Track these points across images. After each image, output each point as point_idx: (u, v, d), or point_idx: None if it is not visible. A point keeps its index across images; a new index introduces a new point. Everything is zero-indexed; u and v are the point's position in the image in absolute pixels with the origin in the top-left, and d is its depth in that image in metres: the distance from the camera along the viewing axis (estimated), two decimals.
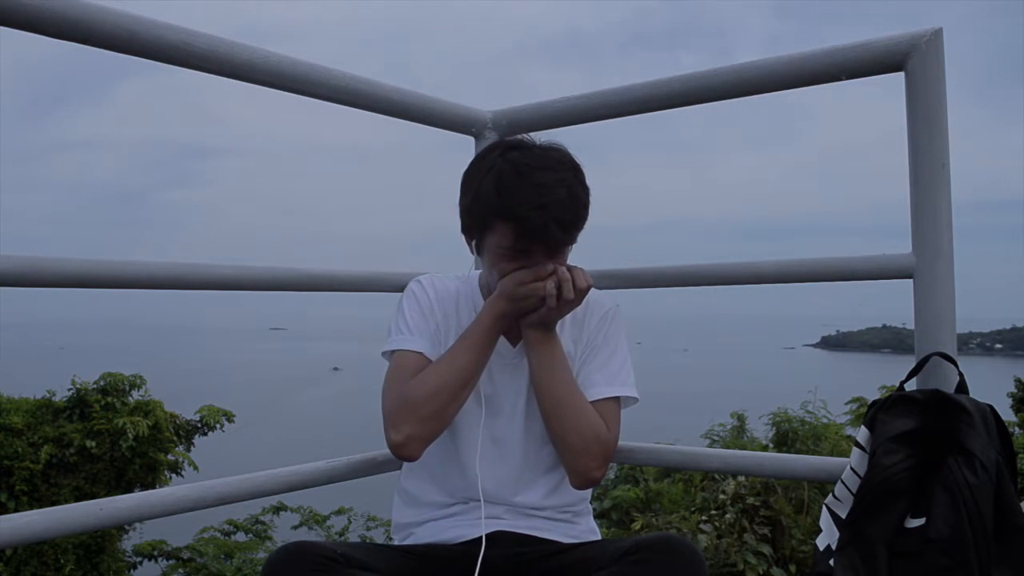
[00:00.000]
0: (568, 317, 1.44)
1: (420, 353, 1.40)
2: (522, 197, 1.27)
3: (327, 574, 1.14)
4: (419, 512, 1.44)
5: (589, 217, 1.35)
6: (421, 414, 1.29)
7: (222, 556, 7.33)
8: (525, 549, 1.37)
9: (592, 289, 1.46)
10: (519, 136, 1.41)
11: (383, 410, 1.34)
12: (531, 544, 1.38)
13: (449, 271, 1.64)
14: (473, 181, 1.35)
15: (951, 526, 1.13)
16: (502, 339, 1.43)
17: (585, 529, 1.47)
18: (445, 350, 1.39)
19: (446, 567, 1.31)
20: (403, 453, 1.31)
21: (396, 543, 1.44)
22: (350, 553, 1.19)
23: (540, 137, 1.40)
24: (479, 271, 1.51)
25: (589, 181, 1.36)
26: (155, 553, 7.64)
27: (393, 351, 1.42)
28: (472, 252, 1.42)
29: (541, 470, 1.43)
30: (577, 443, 1.34)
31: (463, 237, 1.43)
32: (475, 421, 1.41)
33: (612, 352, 1.47)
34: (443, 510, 1.42)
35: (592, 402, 1.40)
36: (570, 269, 1.33)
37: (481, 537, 1.36)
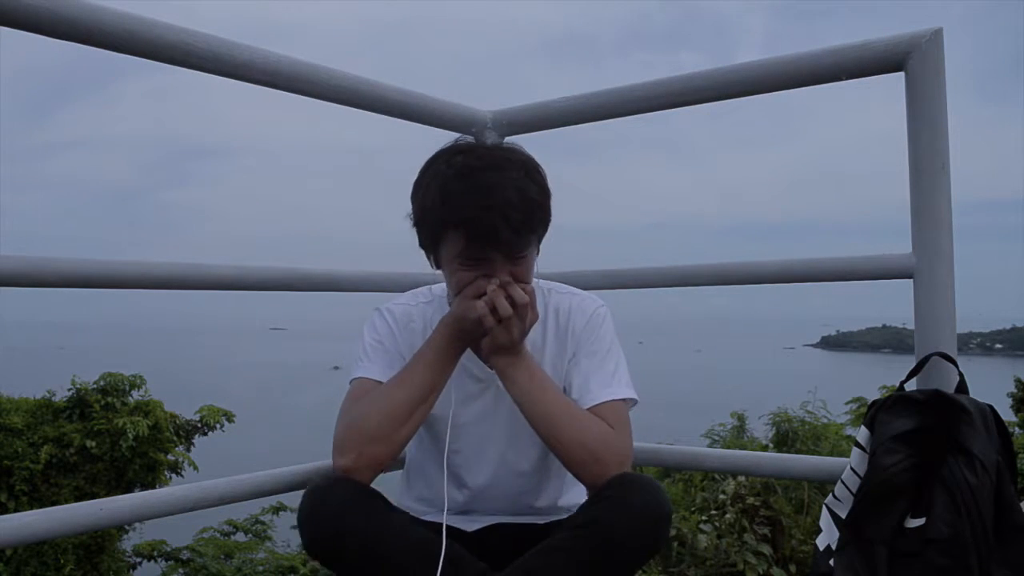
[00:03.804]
0: (549, 331, 1.39)
1: (377, 381, 1.33)
2: (467, 200, 1.20)
3: (372, 500, 1.20)
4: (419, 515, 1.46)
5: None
6: (370, 438, 1.22)
7: (222, 556, 7.33)
8: (527, 536, 1.38)
9: (573, 294, 1.43)
10: (466, 140, 1.35)
11: (333, 436, 1.27)
12: (533, 531, 1.39)
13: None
14: (419, 192, 1.29)
15: (951, 526, 1.13)
16: (474, 359, 1.38)
17: None
18: None
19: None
20: (352, 478, 1.22)
21: None
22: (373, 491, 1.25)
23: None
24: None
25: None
26: (155, 553, 7.64)
27: (351, 380, 1.36)
28: (433, 268, 1.34)
29: (543, 480, 1.44)
30: (582, 455, 1.24)
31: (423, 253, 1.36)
32: (468, 444, 1.38)
33: (604, 355, 1.38)
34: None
35: (592, 408, 1.31)
36: (506, 285, 1.23)
37: (487, 527, 1.39)
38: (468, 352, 1.34)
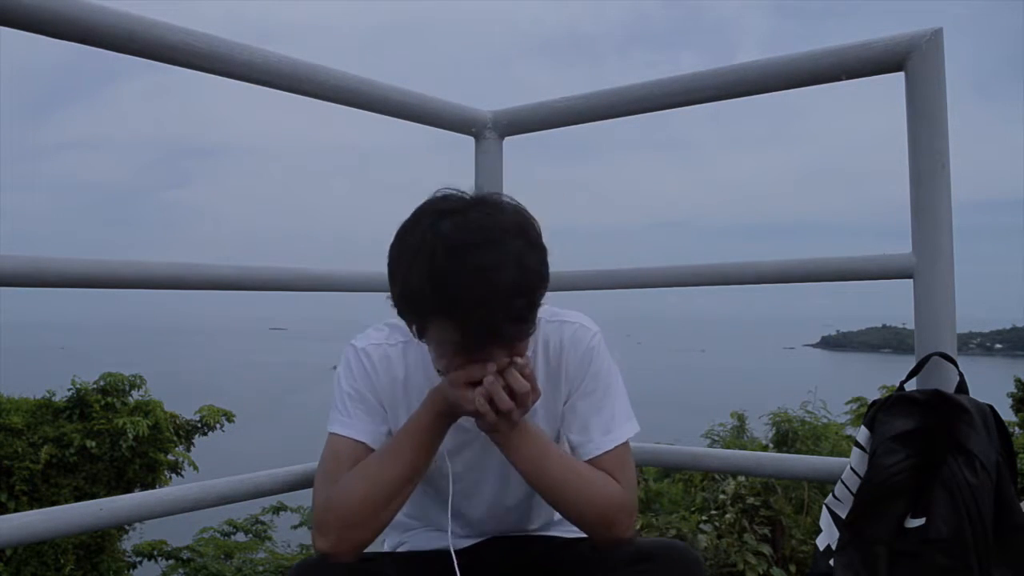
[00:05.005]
0: (540, 369, 1.28)
1: (358, 442, 1.23)
2: (461, 290, 1.02)
3: None
4: (408, 528, 1.45)
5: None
6: (350, 523, 1.14)
7: (222, 556, 7.33)
8: (525, 548, 1.37)
9: (563, 322, 1.31)
10: (450, 192, 1.15)
11: (312, 507, 1.19)
12: (531, 543, 1.39)
13: None
14: (401, 265, 1.10)
15: (951, 526, 1.13)
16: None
17: None
18: (393, 431, 1.26)
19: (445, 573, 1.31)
20: (332, 560, 1.15)
21: (387, 549, 1.44)
22: (364, 567, 1.19)
23: (480, 197, 1.14)
24: None
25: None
26: (155, 553, 7.65)
27: (329, 431, 1.26)
28: (416, 337, 1.17)
29: (536, 508, 1.40)
30: (596, 520, 1.20)
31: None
32: (455, 492, 1.28)
33: (604, 392, 1.29)
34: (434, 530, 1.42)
35: (595, 459, 1.24)
36: (504, 373, 1.09)
37: (476, 544, 1.37)
38: None
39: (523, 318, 1.08)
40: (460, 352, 1.10)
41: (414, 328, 1.15)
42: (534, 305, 1.09)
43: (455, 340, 1.08)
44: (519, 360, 1.11)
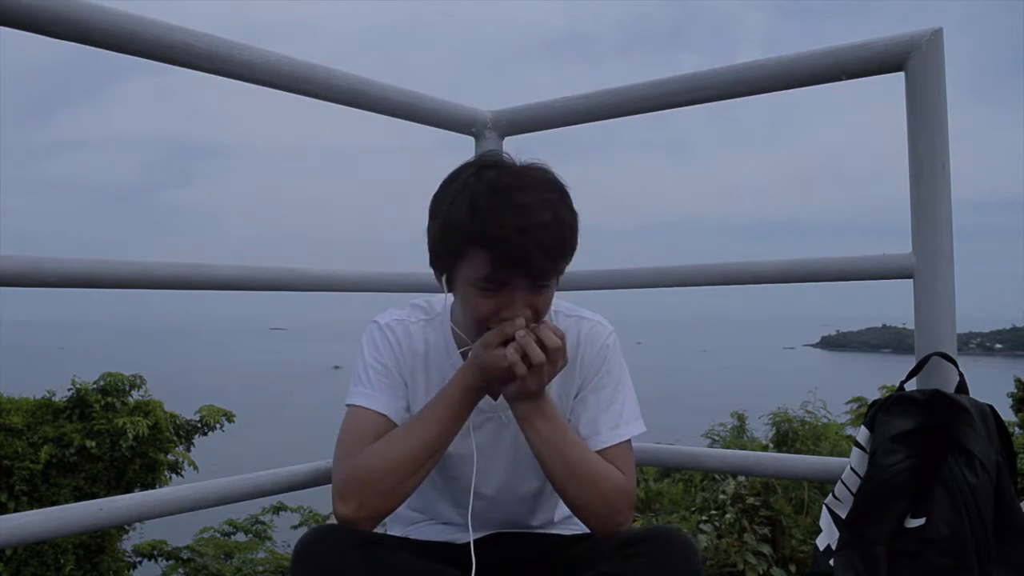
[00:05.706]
0: None
1: (380, 414, 1.26)
2: (499, 219, 1.10)
3: (364, 551, 1.14)
4: (413, 522, 1.45)
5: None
6: (374, 490, 1.16)
7: (222, 556, 7.34)
8: (525, 545, 1.37)
9: (581, 318, 1.36)
10: (495, 154, 1.25)
11: (333, 475, 1.22)
12: (531, 540, 1.39)
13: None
14: (443, 204, 1.19)
15: (951, 526, 1.13)
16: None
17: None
18: (411, 406, 1.30)
19: (446, 563, 1.32)
20: (351, 528, 1.17)
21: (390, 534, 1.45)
22: (378, 538, 1.20)
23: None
24: (452, 301, 1.35)
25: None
26: (155, 553, 7.66)
27: (349, 403, 1.29)
28: (443, 289, 1.25)
29: (540, 503, 1.41)
30: (600, 505, 1.22)
31: (433, 273, 1.27)
32: (467, 474, 1.30)
33: (614, 389, 1.33)
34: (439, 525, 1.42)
35: (601, 451, 1.27)
36: (535, 328, 1.16)
37: (477, 539, 1.37)
38: None
39: (552, 255, 1.14)
40: (486, 291, 1.16)
41: (444, 277, 1.23)
42: (562, 252, 1.16)
43: (484, 275, 1.14)
44: (550, 323, 1.18)
